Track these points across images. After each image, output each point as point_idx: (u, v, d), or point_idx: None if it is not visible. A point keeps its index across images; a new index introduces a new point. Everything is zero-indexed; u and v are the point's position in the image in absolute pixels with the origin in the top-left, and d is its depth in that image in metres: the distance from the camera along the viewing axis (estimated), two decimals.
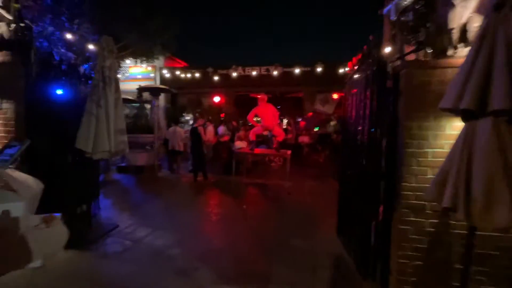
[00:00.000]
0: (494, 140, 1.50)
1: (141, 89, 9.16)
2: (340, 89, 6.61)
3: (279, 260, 3.26)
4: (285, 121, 14.59)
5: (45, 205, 3.36)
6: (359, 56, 3.07)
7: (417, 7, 2.34)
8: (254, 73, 12.52)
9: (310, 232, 4.05)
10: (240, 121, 11.52)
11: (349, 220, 3.36)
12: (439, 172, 1.78)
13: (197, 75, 12.93)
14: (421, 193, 2.21)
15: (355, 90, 3.24)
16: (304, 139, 10.68)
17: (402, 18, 2.49)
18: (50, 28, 4.51)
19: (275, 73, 12.26)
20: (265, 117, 6.99)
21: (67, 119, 3.62)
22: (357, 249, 3.00)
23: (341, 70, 11.11)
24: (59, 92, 3.69)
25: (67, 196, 3.59)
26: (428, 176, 2.20)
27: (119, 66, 8.45)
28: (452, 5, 2.09)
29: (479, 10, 1.99)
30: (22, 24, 3.35)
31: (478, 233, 1.87)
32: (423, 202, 2.24)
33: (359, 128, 3.02)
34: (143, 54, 8.26)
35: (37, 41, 4.36)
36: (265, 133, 7.95)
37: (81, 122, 3.40)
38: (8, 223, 1.11)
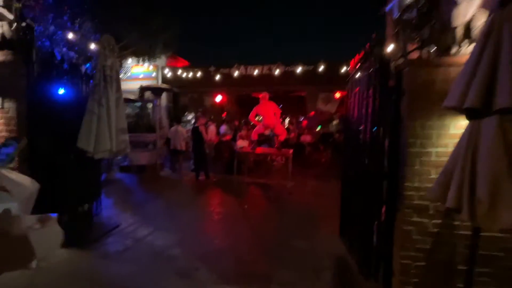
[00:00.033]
0: (500, 139, 1.47)
1: (142, 89, 9.17)
2: (342, 88, 6.57)
3: (281, 260, 3.24)
4: (287, 120, 14.55)
5: (46, 205, 3.39)
6: (361, 54, 3.03)
7: (420, 4, 2.30)
8: (256, 72, 12.48)
9: (312, 233, 4.03)
10: (242, 120, 11.49)
11: (351, 221, 3.33)
12: (443, 172, 1.75)
13: (199, 74, 12.90)
14: (424, 193, 2.18)
15: (357, 89, 3.21)
16: (306, 138, 10.64)
17: (405, 16, 2.46)
18: (52, 28, 4.51)
19: (277, 72, 12.21)
20: (266, 115, 6.97)
21: (68, 118, 3.62)
22: (359, 249, 2.97)
23: (343, 69, 11.04)
24: (61, 91, 3.70)
25: (68, 195, 3.61)
26: (432, 176, 2.17)
27: (121, 66, 8.47)
28: (456, 2, 2.06)
29: (483, 7, 1.95)
30: (23, 24, 3.36)
31: (482, 234, 1.84)
32: (426, 203, 2.21)
33: (362, 127, 2.98)
34: (145, 53, 8.27)
35: (39, 41, 4.39)
36: (267, 132, 7.93)
37: (82, 122, 3.40)
38: (0, 224, 1.10)
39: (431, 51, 2.31)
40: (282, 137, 7.23)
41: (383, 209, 2.57)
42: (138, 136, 8.16)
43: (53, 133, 3.48)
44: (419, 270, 2.25)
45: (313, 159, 10.20)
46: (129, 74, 10.48)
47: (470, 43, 2.03)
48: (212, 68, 12.97)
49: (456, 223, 2.14)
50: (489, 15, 1.60)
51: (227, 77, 12.81)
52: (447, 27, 2.06)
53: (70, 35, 4.81)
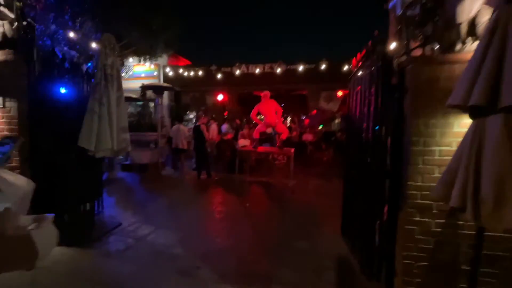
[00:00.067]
0: (505, 138, 1.44)
1: (144, 87, 9.18)
2: (344, 87, 6.53)
3: (282, 260, 3.23)
4: (289, 119, 14.52)
5: (48, 204, 3.40)
6: (363, 52, 3.00)
7: (424, 0, 2.26)
8: (257, 70, 12.46)
9: (314, 232, 4.01)
10: (244, 119, 11.48)
11: (353, 220, 3.31)
12: (447, 170, 1.72)
13: (200, 73, 12.90)
14: (428, 193, 2.16)
15: (359, 87, 3.17)
16: (308, 137, 10.61)
17: (408, 13, 2.42)
18: (53, 27, 4.51)
19: (278, 70, 12.18)
20: (268, 113, 6.95)
21: (70, 117, 3.62)
22: (361, 249, 2.95)
23: (345, 68, 10.98)
24: (62, 90, 3.69)
25: (69, 194, 3.61)
26: (435, 175, 2.14)
27: (122, 65, 8.47)
28: None
29: (488, 3, 1.91)
30: (24, 23, 3.35)
31: (487, 233, 1.81)
32: (429, 202, 2.18)
33: (364, 125, 2.96)
34: (146, 52, 8.27)
35: (40, 40, 4.39)
36: (269, 130, 7.91)
37: (83, 121, 3.39)
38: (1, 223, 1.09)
39: (435, 48, 2.27)
40: (284, 136, 7.20)
41: (386, 209, 2.55)
42: (140, 135, 8.18)
43: (54, 132, 3.48)
44: (422, 270, 2.22)
45: (315, 158, 10.18)
46: (131, 73, 10.49)
47: (475, 39, 1.99)
48: (213, 67, 12.95)
49: (460, 222, 2.11)
50: (494, 11, 1.57)
51: (229, 75, 12.80)
52: (451, 24, 2.03)
53: (71, 34, 4.81)
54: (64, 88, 3.70)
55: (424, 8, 2.27)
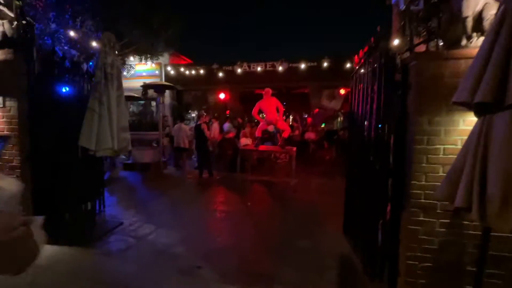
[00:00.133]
0: None
1: (145, 87, 9.17)
2: (347, 84, 6.47)
3: (284, 259, 3.20)
4: (291, 117, 14.47)
5: (49, 203, 3.41)
6: (366, 49, 2.95)
7: None
8: (259, 68, 12.41)
9: (316, 231, 3.98)
10: (245, 118, 11.45)
11: (356, 219, 3.27)
12: (451, 169, 1.68)
13: (202, 71, 12.88)
14: (432, 192, 2.11)
15: (361, 85, 3.13)
16: (311, 135, 10.55)
17: (412, 8, 2.36)
18: (53, 26, 4.49)
19: (280, 68, 12.11)
20: (269, 110, 6.91)
21: (70, 116, 3.61)
22: (364, 249, 2.91)
23: (348, 65, 10.89)
24: (63, 89, 3.68)
25: (71, 193, 3.61)
26: (440, 174, 2.09)
27: (124, 64, 8.47)
28: None
29: None
30: (24, 22, 3.34)
31: (493, 234, 1.76)
32: (433, 202, 2.13)
33: (366, 123, 2.91)
34: (147, 51, 8.26)
35: (40, 39, 4.38)
36: (270, 128, 7.87)
37: (83, 120, 3.38)
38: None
39: (439, 44, 2.22)
40: (285, 134, 7.16)
41: (389, 208, 2.51)
42: (141, 134, 8.19)
43: (55, 132, 3.48)
44: (426, 271, 2.18)
45: (317, 156, 10.12)
46: (132, 72, 10.49)
47: (481, 34, 1.94)
48: (215, 66, 12.92)
49: (465, 222, 2.07)
50: (501, 5, 1.52)
51: (230, 74, 12.76)
52: (456, 18, 1.97)
53: (72, 33, 4.80)
54: (64, 87, 3.69)
55: (428, 2, 2.22)
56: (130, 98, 9.55)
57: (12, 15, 3.32)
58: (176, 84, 10.38)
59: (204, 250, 3.41)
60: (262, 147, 7.49)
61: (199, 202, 5.53)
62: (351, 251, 3.27)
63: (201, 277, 2.86)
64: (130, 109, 11.28)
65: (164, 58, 11.64)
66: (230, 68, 12.75)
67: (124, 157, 8.41)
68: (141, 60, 9.12)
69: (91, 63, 5.00)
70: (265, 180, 7.06)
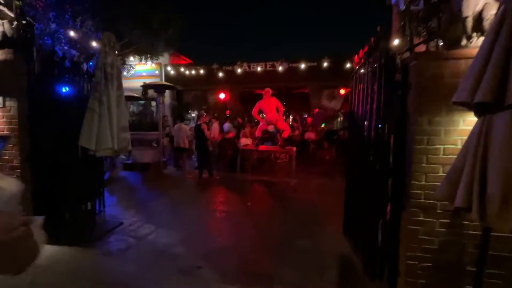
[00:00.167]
0: None
1: (145, 87, 9.17)
2: (347, 84, 6.48)
3: (284, 259, 3.20)
4: (291, 117, 14.46)
5: (49, 203, 3.40)
6: (366, 49, 2.95)
7: None
8: (259, 68, 12.40)
9: (316, 231, 3.98)
10: (246, 118, 11.44)
11: (356, 219, 3.27)
12: (452, 169, 1.68)
13: (202, 71, 12.88)
14: (432, 192, 2.11)
15: (361, 85, 3.13)
16: (311, 135, 10.55)
17: (412, 8, 2.36)
18: (53, 26, 4.49)
19: (280, 68, 12.11)
20: (268, 110, 6.91)
21: (70, 116, 3.61)
22: (364, 249, 2.91)
23: (348, 65, 10.88)
24: (63, 89, 3.68)
25: (71, 193, 3.61)
26: (440, 174, 2.09)
27: (124, 64, 8.47)
28: None
29: None
30: (24, 22, 3.34)
31: (493, 234, 1.76)
32: (433, 202, 2.13)
33: (366, 123, 2.91)
34: (147, 51, 8.26)
35: (40, 39, 4.38)
36: (270, 128, 7.87)
37: (83, 120, 3.38)
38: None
39: (439, 44, 2.22)
40: (285, 134, 7.16)
41: (389, 208, 2.50)
42: (141, 134, 8.19)
43: (55, 132, 3.48)
44: (426, 271, 2.18)
45: (318, 156, 10.12)
46: (132, 72, 10.49)
47: (481, 34, 1.94)
48: (215, 66, 12.92)
49: (465, 222, 2.07)
50: (501, 5, 1.51)
51: (230, 74, 12.76)
52: (456, 18, 1.97)
53: (72, 33, 4.80)
54: (64, 87, 3.69)
55: (428, 2, 2.22)
56: (130, 98, 9.55)
57: (12, 15, 3.32)
58: (176, 84, 10.38)
59: (204, 250, 3.41)
60: (262, 147, 7.49)
61: (199, 202, 5.53)
62: (351, 251, 3.26)
63: (201, 277, 2.86)
64: (130, 109, 11.28)
65: (164, 58, 11.64)
66: (230, 68, 12.75)
67: (124, 157, 8.41)
68: (141, 60, 9.13)
69: (91, 63, 5.01)
70: (265, 180, 7.06)
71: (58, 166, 3.50)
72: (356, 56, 3.37)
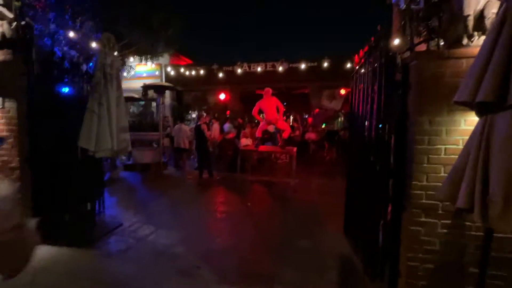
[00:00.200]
0: None
1: (146, 87, 9.17)
2: (347, 85, 6.47)
3: (284, 260, 3.18)
4: (291, 117, 14.45)
5: (48, 204, 3.40)
6: (366, 48, 2.93)
7: None
8: (259, 69, 12.39)
9: (316, 231, 3.96)
10: (246, 118, 11.43)
11: (356, 219, 3.25)
12: (453, 169, 1.66)
13: (202, 72, 12.87)
14: (433, 193, 2.09)
15: (362, 85, 3.11)
16: (311, 136, 10.53)
17: (412, 7, 2.34)
18: (53, 26, 4.49)
19: (280, 68, 12.10)
20: (268, 110, 6.89)
21: (70, 117, 3.61)
22: (364, 249, 2.89)
23: (348, 65, 10.87)
24: (62, 90, 3.68)
25: (70, 194, 3.60)
26: (441, 174, 2.07)
27: (124, 64, 8.46)
28: None
29: None
30: (23, 22, 3.33)
31: (496, 235, 1.74)
32: (435, 202, 2.11)
33: (367, 123, 2.89)
34: (147, 51, 8.26)
35: (40, 40, 4.37)
36: (271, 129, 7.86)
37: (83, 121, 3.37)
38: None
39: (440, 43, 2.20)
40: (285, 134, 7.15)
41: (389, 208, 2.49)
42: (142, 135, 8.18)
43: (54, 132, 3.47)
44: (427, 272, 2.16)
45: (318, 156, 10.11)
46: (132, 72, 10.49)
47: (482, 33, 1.92)
48: (215, 66, 12.91)
49: (467, 223, 2.05)
50: (502, 3, 1.50)
51: (231, 74, 12.75)
52: (457, 17, 1.95)
53: (71, 34, 4.79)
54: (64, 87, 3.68)
55: (429, 1, 2.20)
56: (130, 99, 9.54)
57: (11, 15, 3.31)
58: (176, 84, 10.39)
59: (204, 250, 3.39)
60: (262, 148, 7.48)
61: (199, 202, 5.52)
62: (352, 251, 3.25)
63: (201, 278, 2.84)
64: (131, 110, 11.28)
65: (164, 59, 11.64)
66: (230, 68, 12.75)
67: (124, 158, 8.41)
68: (141, 61, 9.13)
69: (91, 64, 5.01)
70: (265, 181, 7.05)
71: (57, 166, 3.49)
72: (356, 56, 3.36)
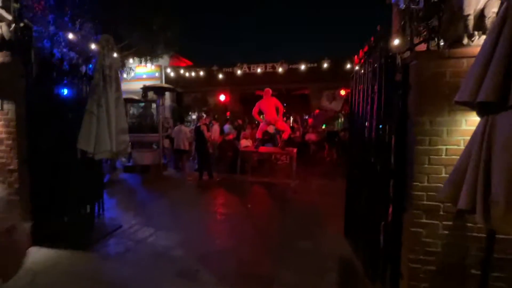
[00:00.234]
0: None
1: (145, 89, 9.16)
2: (347, 85, 6.46)
3: (284, 262, 3.16)
4: (291, 118, 14.44)
5: (47, 206, 3.38)
6: (366, 48, 2.92)
7: None
8: (259, 70, 12.41)
9: (316, 233, 3.94)
10: (246, 119, 11.43)
11: (357, 221, 3.23)
12: (454, 170, 1.64)
13: (201, 73, 12.88)
14: (434, 194, 2.07)
15: (362, 85, 3.10)
16: (311, 136, 10.51)
17: (412, 6, 2.33)
18: (52, 28, 4.49)
19: (280, 70, 12.11)
20: (268, 110, 6.87)
21: (69, 119, 3.60)
22: (365, 251, 2.87)
23: (348, 66, 10.87)
24: (61, 92, 3.67)
25: (69, 196, 3.59)
26: (442, 175, 2.05)
27: (123, 66, 8.47)
28: None
29: None
30: (22, 24, 3.33)
31: (498, 236, 1.72)
32: (436, 203, 2.09)
33: (367, 124, 2.88)
34: (147, 53, 8.26)
35: (39, 41, 4.37)
36: (270, 130, 7.84)
37: (82, 122, 3.36)
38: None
39: (440, 43, 2.19)
40: (285, 135, 7.13)
41: (390, 209, 2.47)
42: (141, 137, 8.17)
43: (53, 134, 3.46)
44: (429, 274, 2.13)
45: (318, 157, 10.08)
46: (132, 74, 10.50)
47: (483, 33, 1.90)
48: (215, 67, 12.93)
49: (469, 225, 2.02)
50: (503, 2, 1.48)
51: (230, 76, 12.76)
52: (457, 17, 1.94)
53: (71, 36, 4.79)
54: (62, 89, 3.68)
55: (429, 1, 2.19)
56: (130, 101, 9.54)
57: (9, 17, 3.31)
58: (176, 86, 10.39)
59: (203, 252, 3.37)
60: (262, 149, 7.46)
61: (199, 204, 5.50)
62: (352, 253, 3.22)
63: (200, 280, 2.82)
64: (131, 112, 11.27)
65: (164, 60, 11.66)
66: (230, 69, 12.77)
67: (124, 159, 8.39)
68: (141, 62, 9.14)
69: (90, 66, 5.01)
70: (266, 182, 7.02)
71: (56, 168, 3.48)
72: (356, 57, 3.35)
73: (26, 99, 3.28)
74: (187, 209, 5.10)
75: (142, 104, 10.15)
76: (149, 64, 9.81)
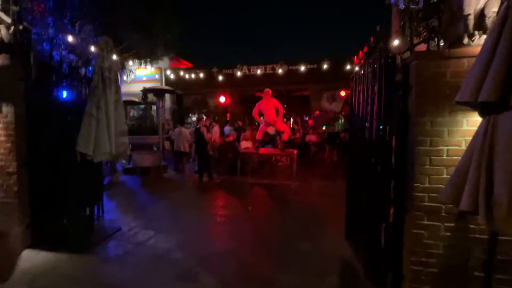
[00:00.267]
0: None
1: (145, 91, 9.17)
2: (347, 86, 6.46)
3: (285, 264, 3.14)
4: (292, 120, 14.43)
5: (47, 209, 3.37)
6: (366, 49, 2.91)
7: None
8: (259, 71, 12.42)
9: (317, 235, 3.91)
10: (246, 121, 11.42)
11: (358, 222, 3.21)
12: (456, 171, 1.62)
13: (201, 75, 12.90)
14: (436, 195, 2.05)
15: (362, 86, 3.09)
16: (312, 138, 10.50)
17: (412, 6, 2.33)
18: (52, 31, 4.49)
19: (280, 71, 12.12)
20: (267, 111, 6.86)
21: (68, 121, 3.59)
22: (366, 253, 2.85)
23: (348, 67, 10.87)
24: (60, 94, 3.67)
25: (69, 199, 3.58)
26: (443, 176, 2.03)
27: (123, 68, 8.48)
28: None
29: None
30: (21, 27, 3.33)
31: (501, 238, 1.70)
32: (438, 204, 2.07)
33: (367, 125, 2.86)
34: (146, 55, 8.27)
35: (39, 44, 4.38)
36: (270, 131, 7.83)
37: (81, 125, 3.35)
38: None
39: (440, 43, 2.18)
40: (285, 136, 7.11)
41: (391, 211, 2.45)
42: (142, 139, 8.16)
43: (53, 137, 3.46)
44: (431, 277, 2.11)
45: (319, 159, 10.06)
46: (132, 76, 10.52)
47: (483, 33, 1.89)
48: (215, 69, 12.95)
49: (472, 226, 2.00)
50: (503, 2, 1.47)
51: (230, 77, 12.78)
52: (457, 16, 1.93)
53: (70, 38, 4.79)
54: (62, 92, 3.67)
55: (428, 1, 2.18)
56: (130, 103, 9.55)
57: (9, 20, 3.31)
58: (176, 88, 10.41)
59: (203, 254, 3.35)
60: (262, 150, 7.45)
61: (199, 206, 5.48)
62: (353, 254, 3.20)
63: (200, 283, 2.80)
64: (131, 114, 11.29)
65: (164, 63, 11.68)
66: (229, 71, 12.78)
67: (124, 161, 8.38)
68: (140, 65, 9.15)
69: (89, 68, 5.01)
70: (266, 183, 7.00)
71: (56, 171, 3.47)
72: (356, 57, 3.34)
73: (26, 102, 3.28)
74: (187, 211, 5.08)
75: (142, 106, 10.18)
76: (149, 66, 9.82)
